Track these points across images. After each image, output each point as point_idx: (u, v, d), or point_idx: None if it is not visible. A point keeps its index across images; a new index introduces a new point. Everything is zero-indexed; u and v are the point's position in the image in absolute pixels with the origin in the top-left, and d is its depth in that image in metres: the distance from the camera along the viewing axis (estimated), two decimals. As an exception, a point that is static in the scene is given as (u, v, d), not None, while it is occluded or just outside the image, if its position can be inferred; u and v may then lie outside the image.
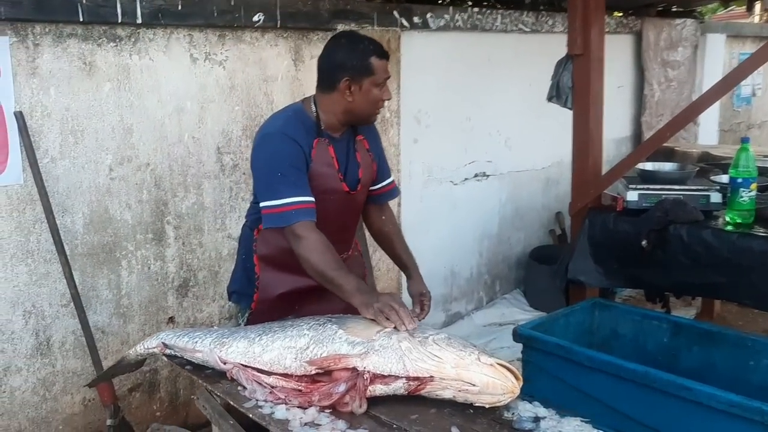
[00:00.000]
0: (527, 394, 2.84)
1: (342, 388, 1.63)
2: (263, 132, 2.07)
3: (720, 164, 3.97)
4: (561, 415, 1.55)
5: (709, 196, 3.01)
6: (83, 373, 2.80)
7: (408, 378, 1.61)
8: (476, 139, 4.33)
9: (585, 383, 2.52)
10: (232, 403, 1.70)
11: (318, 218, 1.98)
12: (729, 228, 2.84)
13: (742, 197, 2.81)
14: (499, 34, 4.28)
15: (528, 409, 1.58)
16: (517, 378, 1.59)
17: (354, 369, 1.66)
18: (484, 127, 4.36)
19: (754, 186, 2.81)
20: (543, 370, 2.70)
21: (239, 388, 1.74)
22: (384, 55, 2.01)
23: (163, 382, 3.09)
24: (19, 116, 2.51)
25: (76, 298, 2.64)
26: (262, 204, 2.00)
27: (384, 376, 1.63)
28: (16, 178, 2.55)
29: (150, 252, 2.95)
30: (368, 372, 1.63)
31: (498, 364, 1.59)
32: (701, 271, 2.82)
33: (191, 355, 1.88)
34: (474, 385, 1.57)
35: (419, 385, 1.61)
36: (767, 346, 2.57)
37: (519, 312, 4.60)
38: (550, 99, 3.21)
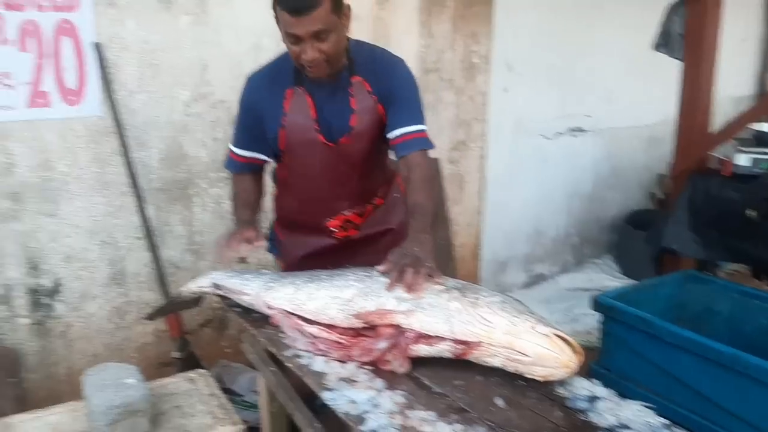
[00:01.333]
0: (603, 366, 2.67)
1: (383, 344, 1.53)
2: (249, 74, 2.02)
3: None
4: (621, 396, 1.37)
5: (836, 163, 2.64)
6: (156, 305, 2.86)
7: (455, 341, 1.48)
8: (574, 91, 4.03)
9: (667, 361, 2.31)
10: (272, 350, 1.64)
11: (303, 172, 1.99)
12: None
13: None
14: (608, -23, 3.92)
15: (585, 387, 1.41)
16: (576, 352, 1.42)
17: (398, 326, 1.55)
18: (583, 78, 4.04)
19: None
20: (622, 343, 2.50)
21: (281, 334, 1.67)
22: (293, 7, 1.68)
23: (233, 320, 3.12)
24: (98, 48, 2.52)
25: (148, 231, 2.68)
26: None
27: (429, 336, 1.51)
28: (94, 110, 2.58)
29: (223, 191, 2.94)
30: (412, 330, 1.51)
31: (555, 335, 1.43)
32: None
33: (239, 297, 1.84)
34: (526, 354, 1.42)
35: (466, 349, 1.48)
36: None
37: (608, 279, 4.34)
38: (657, 48, 2.89)
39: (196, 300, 2.16)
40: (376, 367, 1.54)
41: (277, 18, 1.75)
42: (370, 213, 2.13)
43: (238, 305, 1.87)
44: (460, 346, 1.48)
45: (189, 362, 2.78)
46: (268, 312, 1.73)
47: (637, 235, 4.28)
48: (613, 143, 4.35)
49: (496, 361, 1.47)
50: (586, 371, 2.90)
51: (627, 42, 4.13)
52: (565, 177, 4.17)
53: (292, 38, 1.74)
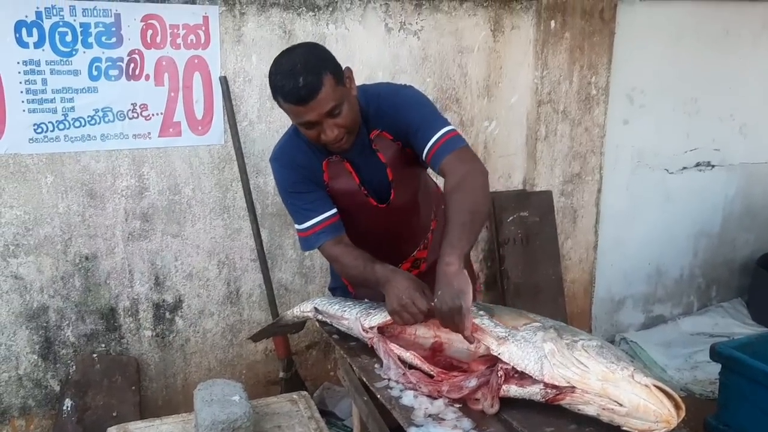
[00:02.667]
0: (721, 422, 2.47)
1: (473, 382, 1.51)
2: (270, 156, 1.97)
3: None
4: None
5: None
6: (266, 325, 2.99)
7: (545, 384, 1.44)
8: (702, 124, 3.79)
9: (796, 423, 2.10)
10: (365, 379, 1.66)
11: (362, 231, 1.90)
12: None
13: None
14: (741, 3, 3.67)
15: (688, 446, 1.32)
16: (677, 407, 1.33)
17: (488, 364, 1.53)
18: (713, 110, 3.80)
19: None
20: (744, 398, 2.30)
21: (376, 365, 1.70)
22: (295, 98, 1.63)
23: (338, 344, 3.19)
24: (224, 81, 2.70)
25: (261, 254, 2.82)
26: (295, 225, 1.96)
27: (520, 377, 1.47)
28: (218, 139, 2.76)
29: (334, 218, 3.04)
30: (502, 368, 1.48)
31: (655, 386, 1.34)
32: None
33: (338, 322, 1.88)
34: (621, 405, 1.35)
35: (558, 394, 1.43)
36: None
37: (737, 325, 4.01)
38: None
39: (299, 324, 2.24)
40: (465, 405, 1.52)
41: (280, 105, 1.71)
42: (431, 241, 2.11)
43: (338, 332, 1.91)
44: (551, 390, 1.44)
45: (293, 383, 2.87)
46: (365, 336, 1.76)
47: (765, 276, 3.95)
48: (746, 179, 4.04)
49: (590, 410, 1.41)
50: (702, 425, 2.70)
51: (764, 71, 3.85)
52: (691, 214, 3.92)
53: (305, 125, 1.71)
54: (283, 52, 1.72)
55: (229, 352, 2.98)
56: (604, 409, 1.38)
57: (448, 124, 1.80)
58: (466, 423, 1.44)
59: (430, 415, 1.48)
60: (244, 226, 2.87)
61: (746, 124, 3.93)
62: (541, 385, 1.44)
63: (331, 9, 2.83)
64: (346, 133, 1.73)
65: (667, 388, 1.35)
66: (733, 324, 4.01)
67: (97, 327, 2.72)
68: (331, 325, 1.94)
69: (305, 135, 1.76)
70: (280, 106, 1.71)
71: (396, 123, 1.82)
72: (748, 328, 3.94)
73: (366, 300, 1.97)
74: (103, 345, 2.74)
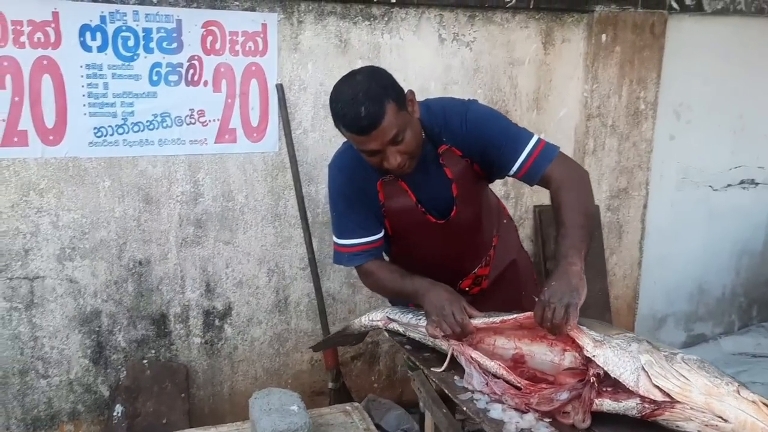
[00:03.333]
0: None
1: (565, 395, 1.47)
2: (331, 162, 1.93)
3: None
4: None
5: None
6: (313, 335, 2.97)
7: (642, 397, 1.40)
8: (748, 141, 3.76)
9: None
10: (446, 391, 1.63)
11: (422, 249, 1.89)
12: None
13: None
14: (790, 20, 3.66)
15: (797, 466, 1.28)
16: (785, 424, 1.30)
17: (577, 378, 1.50)
18: (759, 128, 3.77)
19: None
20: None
21: (455, 377, 1.66)
22: (357, 128, 1.59)
23: (383, 355, 3.17)
24: (279, 89, 2.70)
25: (312, 263, 2.80)
26: (333, 236, 1.93)
27: (613, 391, 1.44)
28: (272, 146, 2.76)
29: (382, 228, 3.02)
30: (595, 379, 1.45)
31: (763, 402, 1.31)
32: None
33: (414, 330, 1.85)
34: (727, 421, 1.32)
35: (656, 409, 1.39)
36: None
37: (777, 345, 3.95)
38: None
39: (362, 335, 2.21)
40: (554, 419, 1.49)
41: (341, 132, 1.67)
42: (493, 257, 2.09)
43: (410, 342, 1.88)
44: (649, 405, 1.40)
45: (341, 394, 2.84)
46: (443, 344, 1.73)
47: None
48: (790, 198, 4.01)
49: (691, 426, 1.37)
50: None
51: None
52: (734, 232, 3.88)
53: (367, 153, 1.67)
54: (343, 78, 1.68)
55: (276, 361, 2.96)
56: (706, 425, 1.34)
57: (533, 133, 1.79)
58: (559, 437, 1.41)
59: (522, 430, 1.44)
60: (295, 235, 2.86)
61: (791, 142, 3.90)
62: (638, 399, 1.41)
63: (386, 19, 2.83)
64: (409, 158, 1.69)
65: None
66: (775, 344, 3.95)
67: (148, 333, 2.70)
68: (403, 335, 1.91)
69: (367, 161, 1.73)
70: (342, 132, 1.67)
71: (469, 139, 1.78)
72: (788, 349, 3.89)
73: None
74: (153, 351, 2.72)
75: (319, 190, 2.86)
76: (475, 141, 1.78)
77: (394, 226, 1.89)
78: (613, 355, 1.46)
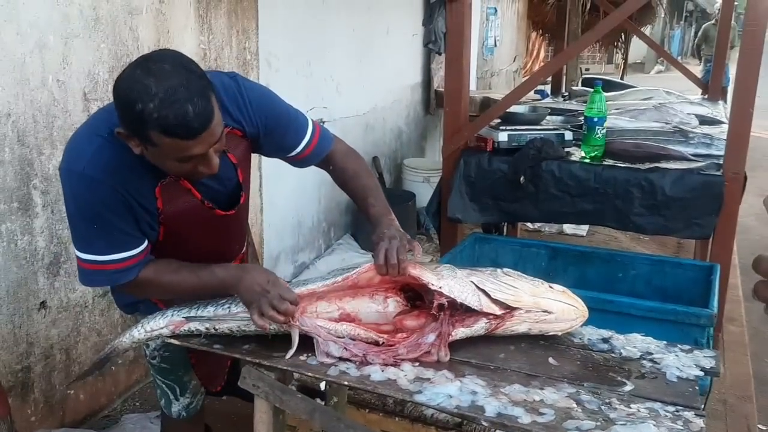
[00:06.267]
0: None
1: (431, 338, 1.57)
2: (66, 165, 1.47)
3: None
4: (621, 333, 1.71)
5: (563, 134, 3.42)
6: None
7: (486, 315, 1.61)
8: (315, 85, 4.24)
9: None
10: (309, 374, 1.52)
11: (194, 243, 1.65)
12: (585, 161, 3.29)
13: (597, 134, 3.26)
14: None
15: (591, 333, 1.71)
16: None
17: (424, 315, 1.62)
18: (321, 73, 4.28)
19: (606, 124, 3.28)
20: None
21: (301, 357, 1.56)
22: (184, 132, 1.32)
23: (37, 380, 2.56)
24: None
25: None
26: (78, 253, 1.52)
27: (463, 318, 1.61)
28: None
29: (16, 225, 2.38)
30: (446, 309, 1.59)
31: (567, 290, 1.68)
32: (571, 200, 3.22)
33: (225, 320, 1.61)
34: (551, 312, 1.64)
35: (500, 322, 1.63)
36: (633, 259, 3.08)
37: (356, 255, 4.72)
38: (426, 45, 3.29)
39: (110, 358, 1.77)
40: (418, 361, 1.57)
41: (143, 140, 1.36)
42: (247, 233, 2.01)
43: (219, 341, 1.64)
44: (495, 321, 1.62)
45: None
46: (286, 325, 1.57)
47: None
48: (343, 133, 4.70)
49: (522, 328, 1.65)
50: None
51: (350, 40, 4.51)
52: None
53: (185, 159, 1.39)
54: (142, 70, 1.32)
55: None
56: (536, 322, 1.65)
57: (304, 113, 1.80)
58: (448, 374, 1.51)
59: (417, 379, 1.49)
60: None
61: (340, 83, 4.56)
62: (484, 318, 1.62)
63: (-16, -49, 2.13)
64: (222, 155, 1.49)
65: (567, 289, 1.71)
66: (354, 255, 4.71)
67: None
68: (209, 333, 1.64)
69: (171, 170, 1.44)
70: (152, 140, 1.33)
71: (253, 120, 1.63)
72: (363, 256, 4.69)
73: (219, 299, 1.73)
74: None
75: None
76: (260, 122, 1.64)
77: (170, 230, 1.59)
78: (455, 284, 1.61)
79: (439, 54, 4.38)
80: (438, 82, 5.89)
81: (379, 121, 5.28)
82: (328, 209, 4.65)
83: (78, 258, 1.54)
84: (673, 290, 2.93)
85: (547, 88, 5.58)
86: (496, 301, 1.62)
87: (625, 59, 10.78)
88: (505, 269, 1.70)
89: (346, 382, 1.50)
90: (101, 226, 1.49)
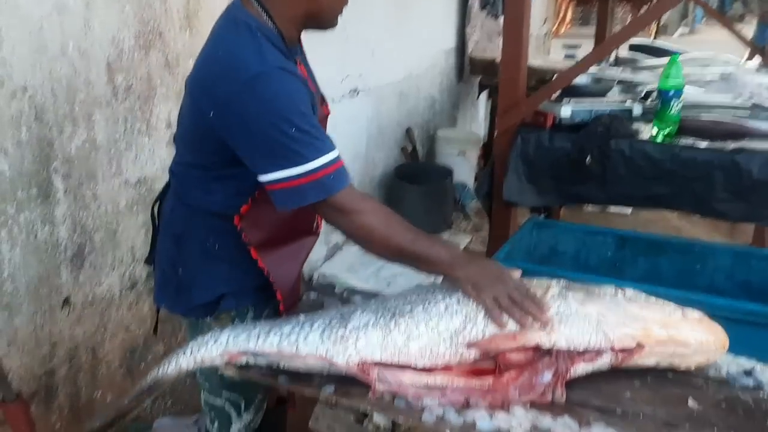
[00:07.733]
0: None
1: (548, 377, 1.29)
2: (251, 74, 1.30)
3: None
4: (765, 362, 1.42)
5: (631, 109, 3.08)
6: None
7: (614, 350, 1.33)
8: (351, 50, 3.90)
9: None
10: (394, 419, 1.25)
11: None
12: (658, 140, 2.95)
13: (672, 109, 2.92)
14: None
15: (729, 362, 1.42)
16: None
17: (538, 348, 1.33)
18: (356, 38, 3.93)
19: (683, 97, 2.93)
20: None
21: (390, 400, 1.28)
22: None
23: (61, 384, 2.32)
24: None
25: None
26: (270, 177, 1.34)
27: (583, 353, 1.33)
28: None
29: (35, 214, 2.10)
30: (563, 350, 1.31)
31: (705, 317, 1.39)
32: (644, 183, 2.89)
33: (289, 362, 1.34)
34: (688, 345, 1.36)
35: (626, 356, 1.34)
36: (714, 250, 2.78)
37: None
38: (483, 7, 2.94)
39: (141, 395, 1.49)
40: (531, 403, 1.30)
41: None
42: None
43: (279, 372, 1.36)
44: (620, 355, 1.34)
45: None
46: (354, 370, 1.30)
47: (407, 188, 4.46)
48: (378, 102, 4.39)
49: (650, 361, 1.37)
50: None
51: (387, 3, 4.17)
52: (348, 140, 4.07)
53: None
54: None
55: None
56: (668, 355, 1.37)
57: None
58: (569, 421, 1.24)
59: (532, 430, 1.21)
60: None
61: (376, 49, 4.21)
62: (610, 353, 1.33)
63: None
64: None
65: (704, 315, 1.42)
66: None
67: None
68: (268, 366, 1.36)
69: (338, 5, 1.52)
70: None
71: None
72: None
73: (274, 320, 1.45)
74: None
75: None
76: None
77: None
78: (569, 330, 1.32)
79: (496, 18, 4.01)
80: (472, 46, 5.51)
81: (413, 90, 4.93)
82: (361, 186, 4.35)
83: (274, 183, 1.33)
84: (759, 286, 2.64)
85: (577, 51, 5.18)
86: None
87: (659, 21, 10.26)
88: (627, 291, 1.41)
89: (448, 430, 1.22)
90: (301, 128, 1.31)
